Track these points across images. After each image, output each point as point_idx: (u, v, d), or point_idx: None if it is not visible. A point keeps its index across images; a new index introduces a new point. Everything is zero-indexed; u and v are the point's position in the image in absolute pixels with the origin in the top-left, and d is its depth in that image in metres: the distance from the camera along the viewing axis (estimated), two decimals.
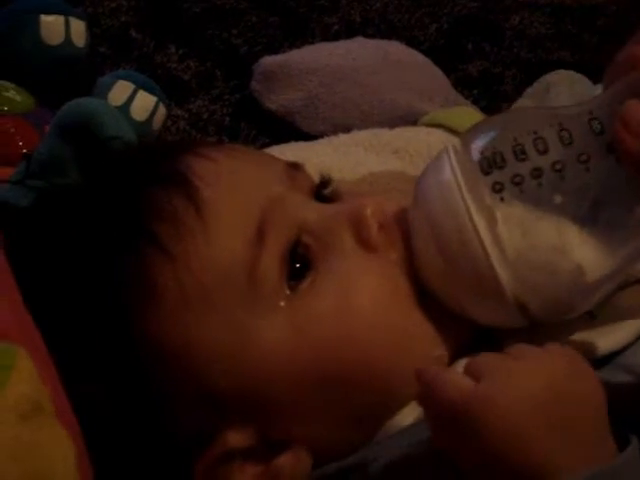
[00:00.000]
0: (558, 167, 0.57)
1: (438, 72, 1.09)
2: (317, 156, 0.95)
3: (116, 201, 0.63)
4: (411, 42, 1.16)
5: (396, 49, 1.09)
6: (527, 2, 1.27)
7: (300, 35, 1.16)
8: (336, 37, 1.17)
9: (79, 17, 0.90)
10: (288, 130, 1.04)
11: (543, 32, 1.22)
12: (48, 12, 0.88)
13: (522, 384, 0.52)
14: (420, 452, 0.58)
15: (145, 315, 0.59)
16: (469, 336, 0.63)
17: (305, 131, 1.03)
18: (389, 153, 0.98)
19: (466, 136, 0.61)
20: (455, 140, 0.63)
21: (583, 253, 0.58)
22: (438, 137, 1.01)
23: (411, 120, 1.03)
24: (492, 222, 0.58)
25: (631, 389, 0.60)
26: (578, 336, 0.62)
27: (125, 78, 0.87)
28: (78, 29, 0.89)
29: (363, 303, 0.60)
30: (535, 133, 0.58)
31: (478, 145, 0.59)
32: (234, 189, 0.62)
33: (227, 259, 0.59)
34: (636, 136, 0.53)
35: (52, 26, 0.87)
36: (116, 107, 0.83)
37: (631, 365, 0.61)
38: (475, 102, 1.11)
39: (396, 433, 0.60)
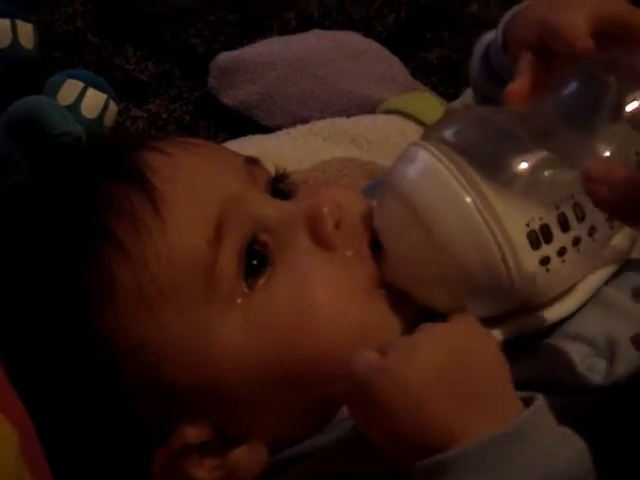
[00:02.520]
0: (592, 231, 0.59)
1: (394, 60, 1.10)
2: (275, 149, 0.96)
3: (71, 197, 0.63)
4: (369, 33, 1.16)
5: (351, 39, 1.09)
6: None
7: (258, 32, 1.16)
8: (294, 32, 1.16)
9: (26, 20, 0.90)
10: (247, 125, 1.04)
11: (500, 18, 1.22)
12: None
13: (421, 354, 0.53)
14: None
15: (103, 312, 0.59)
16: (420, 318, 0.63)
17: (264, 125, 1.03)
18: (347, 142, 0.99)
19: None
20: (412, 127, 0.63)
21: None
22: (396, 124, 1.02)
23: (369, 108, 1.03)
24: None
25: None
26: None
27: (74, 77, 0.87)
28: (26, 31, 0.89)
29: (318, 299, 0.60)
30: (572, 198, 0.58)
31: (527, 217, 0.57)
32: (192, 186, 0.62)
33: (185, 257, 0.59)
34: (605, 185, 0.52)
35: None
36: (66, 106, 0.83)
37: (576, 332, 0.61)
38: (434, 88, 1.11)
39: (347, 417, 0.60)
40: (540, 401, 0.52)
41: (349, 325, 0.60)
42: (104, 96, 0.87)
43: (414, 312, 0.62)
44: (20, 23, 0.88)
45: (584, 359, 0.60)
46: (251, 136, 0.99)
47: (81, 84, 0.86)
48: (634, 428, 0.56)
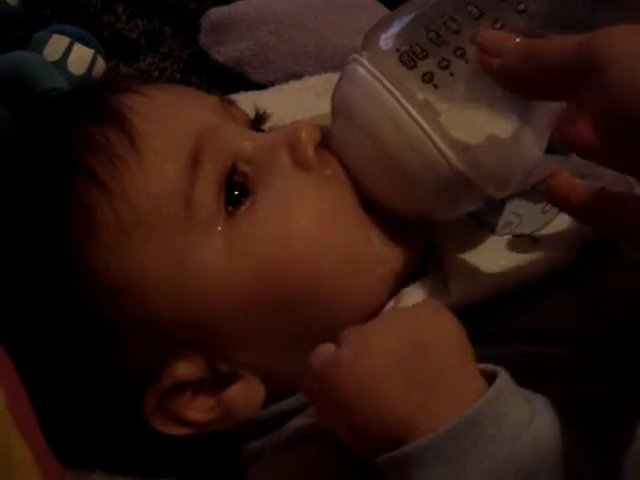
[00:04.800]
0: (478, 41, 0.57)
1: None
2: (269, 104, 0.94)
3: (49, 139, 0.63)
4: None
5: None
6: None
7: None
8: None
9: None
10: (240, 82, 1.02)
11: None
12: None
13: (373, 343, 0.52)
14: None
15: (86, 249, 0.59)
16: (413, 256, 0.63)
17: (256, 81, 1.01)
18: None
19: (372, 38, 0.61)
20: None
21: (518, 122, 0.58)
22: None
23: None
24: (433, 114, 0.57)
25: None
26: (522, 257, 0.62)
27: (60, 32, 0.85)
28: None
29: (304, 221, 0.60)
30: (443, 16, 0.58)
31: (390, 43, 0.59)
32: (168, 120, 0.63)
33: (162, 187, 0.60)
34: (498, 55, 0.53)
35: None
36: (53, 62, 0.81)
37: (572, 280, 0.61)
38: None
39: None
40: (501, 379, 0.51)
41: (335, 246, 0.60)
42: (91, 51, 0.85)
43: (398, 227, 0.62)
44: None
45: (580, 307, 0.60)
46: (244, 92, 0.97)
47: (67, 39, 0.84)
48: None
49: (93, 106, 0.63)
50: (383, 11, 1.08)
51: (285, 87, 0.98)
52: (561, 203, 0.59)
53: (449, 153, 0.58)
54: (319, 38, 1.02)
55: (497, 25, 0.58)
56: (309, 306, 0.60)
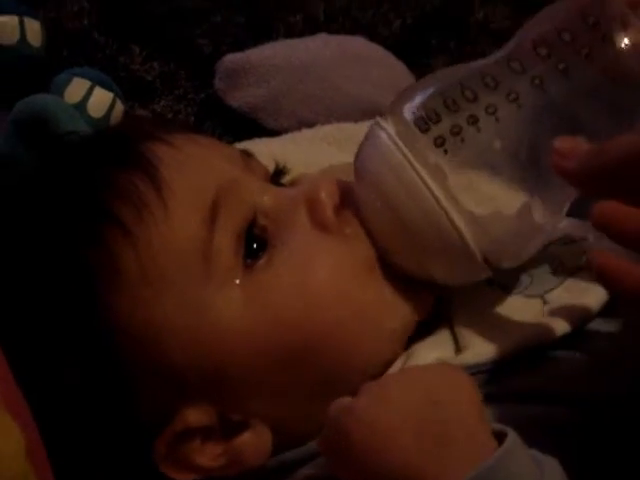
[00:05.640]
0: (491, 110, 0.59)
1: (400, 66, 1.09)
2: (281, 152, 0.95)
3: (77, 185, 0.64)
4: (375, 38, 1.15)
5: (357, 44, 1.09)
6: None
7: (265, 34, 1.16)
8: (300, 35, 1.16)
9: (34, 17, 0.90)
10: (253, 128, 1.03)
11: (506, 26, 1.22)
12: (1, 12, 0.87)
13: (391, 395, 0.53)
14: None
15: (108, 295, 0.60)
16: (424, 313, 0.63)
17: (269, 128, 1.03)
18: (353, 146, 0.98)
19: (394, 104, 0.62)
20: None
21: (528, 195, 0.59)
22: None
23: (375, 114, 1.03)
24: (442, 178, 0.58)
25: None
26: (532, 319, 0.63)
27: (81, 75, 0.86)
28: (33, 29, 0.89)
29: (321, 278, 0.61)
30: (461, 85, 0.59)
31: (408, 108, 0.60)
32: (192, 171, 0.64)
33: (181, 238, 0.61)
34: (571, 159, 0.53)
35: (6, 26, 0.87)
36: (73, 104, 0.83)
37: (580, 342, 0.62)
38: None
39: None
40: (510, 438, 0.51)
41: (352, 302, 0.61)
42: (111, 95, 0.86)
43: (411, 284, 0.63)
44: (28, 20, 0.88)
45: (586, 371, 0.61)
46: (257, 139, 0.98)
47: (88, 83, 0.85)
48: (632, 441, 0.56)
49: (124, 153, 0.64)
50: (393, 61, 1.10)
51: (297, 135, 0.99)
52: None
53: (459, 223, 0.59)
54: (331, 87, 1.03)
55: (511, 96, 0.59)
56: (322, 358, 0.60)
